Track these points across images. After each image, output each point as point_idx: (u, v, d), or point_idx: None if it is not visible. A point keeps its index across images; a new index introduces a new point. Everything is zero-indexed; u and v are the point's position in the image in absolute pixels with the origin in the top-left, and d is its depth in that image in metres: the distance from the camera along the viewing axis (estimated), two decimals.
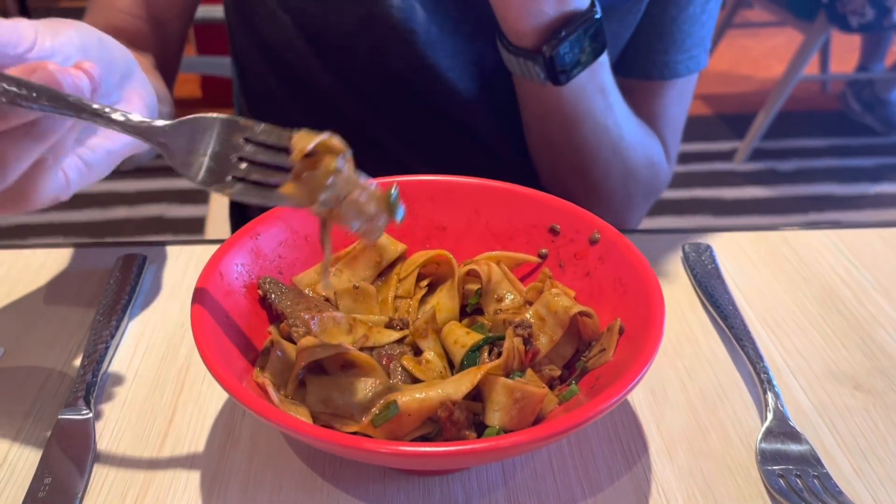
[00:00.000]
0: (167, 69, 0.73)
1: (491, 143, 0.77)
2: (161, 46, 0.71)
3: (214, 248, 0.64)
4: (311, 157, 0.38)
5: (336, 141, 0.39)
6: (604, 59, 0.63)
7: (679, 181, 2.60)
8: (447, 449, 0.35)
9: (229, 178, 0.39)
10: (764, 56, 3.46)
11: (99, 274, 0.61)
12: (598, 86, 0.64)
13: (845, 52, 3.20)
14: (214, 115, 0.40)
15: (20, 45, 0.37)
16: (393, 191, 0.40)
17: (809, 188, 2.57)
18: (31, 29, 0.38)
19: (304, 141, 0.38)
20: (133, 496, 0.44)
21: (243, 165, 0.39)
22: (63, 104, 0.36)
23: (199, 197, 2.38)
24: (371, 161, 0.45)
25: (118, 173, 0.48)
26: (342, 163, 0.38)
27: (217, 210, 1.25)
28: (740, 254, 0.65)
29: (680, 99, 0.78)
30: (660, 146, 0.76)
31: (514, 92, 0.70)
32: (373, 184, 0.40)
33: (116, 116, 0.38)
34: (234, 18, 0.79)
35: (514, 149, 0.78)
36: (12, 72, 0.35)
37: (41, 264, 0.63)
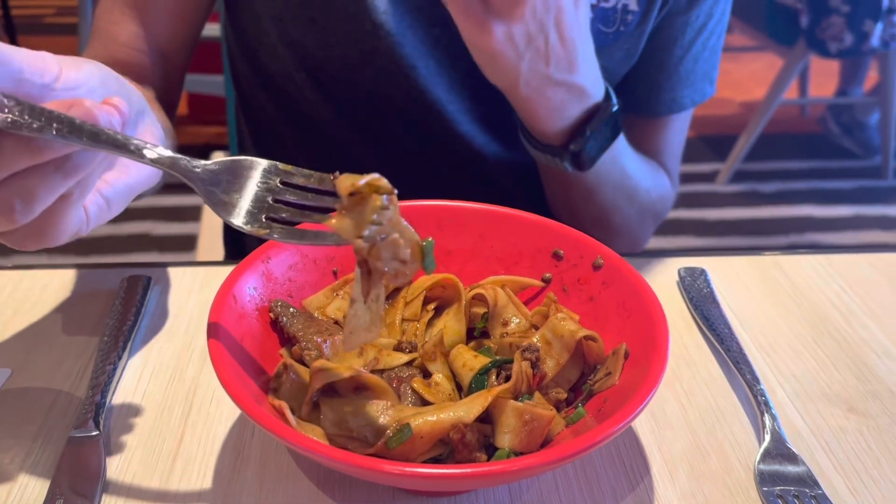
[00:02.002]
0: (169, 101, 0.73)
1: (491, 174, 0.78)
2: (164, 79, 0.72)
3: (217, 269, 0.65)
4: (356, 195, 0.39)
5: (384, 182, 0.40)
6: (621, 135, 0.66)
7: None
8: (462, 471, 0.36)
9: (265, 218, 0.40)
10: (745, 80, 3.52)
11: (103, 295, 0.62)
12: (615, 157, 0.67)
13: (824, 76, 3.26)
14: (256, 159, 0.41)
15: (46, 76, 0.37)
16: (428, 242, 0.41)
17: (790, 209, 2.61)
18: (55, 60, 0.39)
19: (350, 180, 0.39)
20: None
21: (281, 207, 0.40)
22: (104, 140, 0.36)
23: (187, 215, 2.38)
24: None
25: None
26: (388, 201, 0.39)
27: (209, 229, 1.25)
28: (734, 277, 0.66)
29: (683, 127, 0.81)
30: (666, 177, 0.79)
31: (511, 125, 0.72)
32: (413, 230, 0.41)
33: (157, 154, 0.38)
34: (234, 47, 0.80)
35: (515, 180, 0.80)
36: (50, 107, 0.36)
37: (45, 285, 0.63)
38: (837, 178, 2.82)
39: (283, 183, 0.41)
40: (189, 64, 0.77)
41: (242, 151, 0.90)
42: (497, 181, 0.79)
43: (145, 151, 0.38)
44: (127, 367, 0.55)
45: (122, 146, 0.37)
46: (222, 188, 0.40)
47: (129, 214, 2.55)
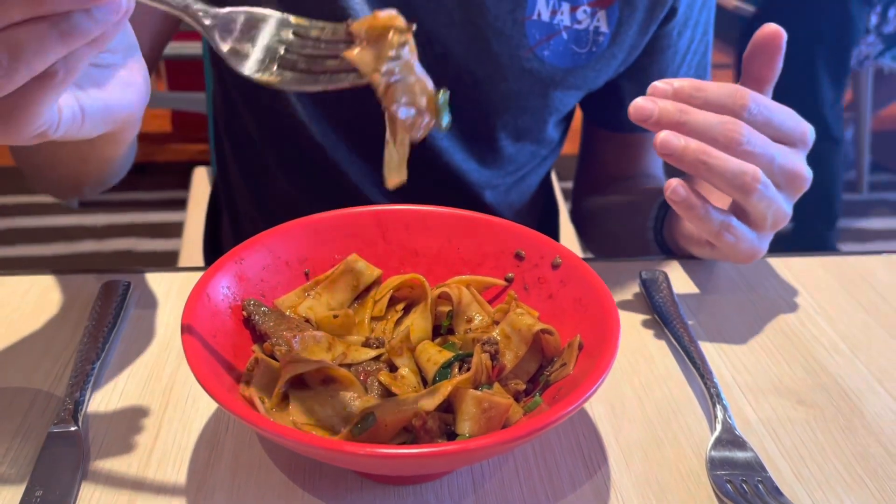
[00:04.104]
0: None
1: (467, 186, 0.81)
2: None
3: (195, 276, 0.67)
4: (373, 35, 0.39)
5: (401, 19, 0.40)
6: None
7: None
8: (421, 451, 0.38)
9: (276, 66, 0.39)
10: None
11: (83, 299, 0.64)
12: None
13: None
14: (270, 11, 0.40)
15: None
16: (442, 94, 0.41)
17: None
18: None
19: (368, 20, 0.39)
20: None
21: (290, 56, 0.39)
22: None
23: (170, 231, 2.39)
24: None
25: (85, 206, 0.46)
26: (408, 39, 0.39)
27: (190, 244, 1.26)
28: (694, 280, 0.69)
29: None
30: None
31: (491, 142, 0.77)
32: (429, 80, 0.41)
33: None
34: (220, 63, 0.82)
35: (490, 192, 0.83)
36: None
37: (26, 290, 0.65)
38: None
39: (296, 34, 0.40)
40: (154, 66, 0.78)
41: (223, 167, 0.92)
42: (470, 192, 0.82)
43: None
44: (105, 366, 0.57)
45: None
46: (234, 37, 0.39)
47: (110, 231, 2.53)
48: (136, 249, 2.34)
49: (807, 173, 0.59)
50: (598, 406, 0.55)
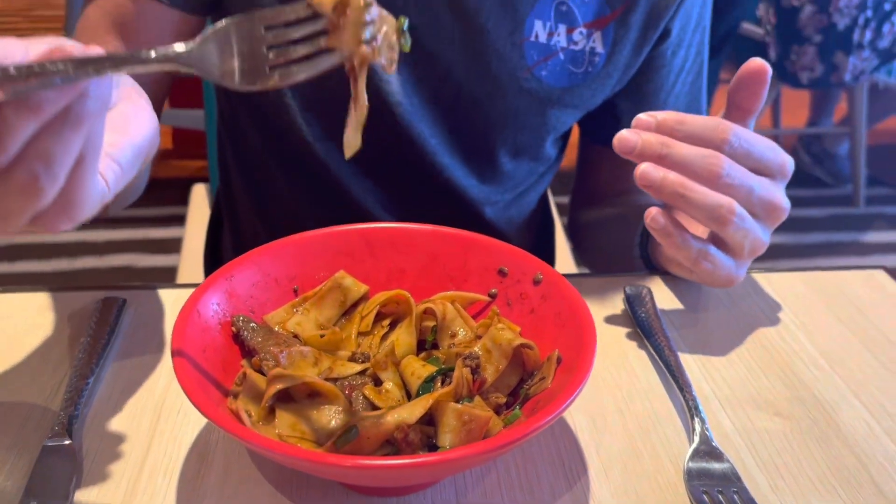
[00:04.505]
0: None
1: (465, 202, 0.83)
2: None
3: (189, 292, 0.69)
4: (338, 7, 0.40)
5: None
6: None
7: None
8: (401, 462, 0.39)
9: (267, 67, 0.40)
10: (718, 111, 3.61)
11: (79, 316, 0.65)
12: None
13: (796, 108, 3.35)
14: (230, 20, 0.40)
15: (14, 55, 0.37)
16: (403, 21, 0.43)
17: None
18: (18, 41, 0.39)
19: None
20: None
21: (272, 55, 0.40)
22: (95, 64, 0.36)
23: (169, 246, 2.41)
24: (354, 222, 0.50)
25: (85, 223, 0.48)
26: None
27: (189, 259, 1.28)
28: (677, 296, 0.70)
29: None
30: None
31: (490, 159, 0.79)
32: (388, 13, 0.42)
33: (148, 54, 0.38)
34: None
35: (488, 207, 0.85)
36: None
37: (23, 307, 0.66)
38: (811, 207, 2.89)
39: (267, 28, 0.41)
40: (167, 95, 0.81)
41: (227, 182, 0.94)
42: (470, 208, 0.84)
43: (142, 54, 0.38)
44: (100, 381, 0.58)
45: (116, 61, 0.37)
46: (215, 62, 0.40)
47: (110, 247, 2.55)
48: (135, 265, 2.36)
49: (785, 204, 0.61)
50: (580, 418, 0.56)
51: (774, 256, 2.51)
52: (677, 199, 0.57)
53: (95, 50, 0.37)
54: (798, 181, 3.00)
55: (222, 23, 0.40)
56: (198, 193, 1.46)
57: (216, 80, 0.40)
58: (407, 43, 0.44)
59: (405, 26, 0.43)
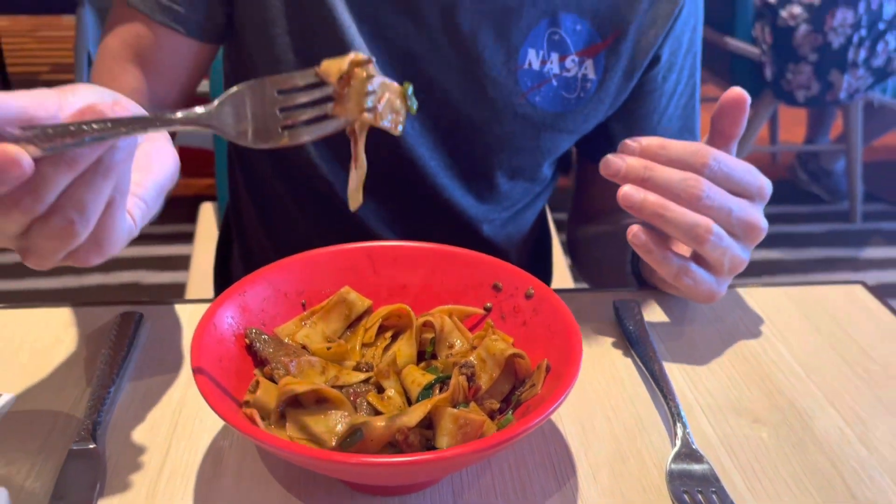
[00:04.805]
0: None
1: (465, 221, 0.87)
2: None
3: (202, 307, 0.73)
4: (343, 79, 0.45)
5: (361, 55, 0.45)
6: None
7: None
8: (404, 459, 0.43)
9: (278, 128, 0.45)
10: (704, 133, 3.66)
11: (99, 330, 0.69)
12: None
13: (793, 125, 3.40)
14: (245, 85, 0.45)
15: (50, 107, 0.42)
16: (408, 87, 0.47)
17: (763, 253, 2.71)
18: (51, 92, 0.43)
19: (334, 66, 0.45)
20: None
21: (284, 115, 0.45)
22: (126, 125, 0.40)
23: (176, 263, 2.46)
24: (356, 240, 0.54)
25: None
26: (373, 70, 0.45)
27: (198, 275, 1.32)
28: (664, 310, 0.74)
29: None
30: None
31: (488, 180, 0.83)
32: (393, 82, 0.47)
33: (174, 117, 0.43)
34: None
35: (486, 225, 0.89)
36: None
37: (46, 322, 0.70)
38: (808, 223, 2.93)
39: (279, 92, 0.45)
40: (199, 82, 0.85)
41: (236, 200, 0.99)
42: (469, 225, 0.88)
43: (167, 116, 0.42)
44: (121, 391, 0.62)
45: (144, 122, 0.41)
46: (230, 123, 0.44)
47: (117, 264, 2.58)
48: (143, 282, 2.40)
49: (763, 224, 0.65)
50: (570, 425, 0.60)
51: (771, 272, 2.55)
52: (657, 218, 0.61)
53: (124, 110, 0.42)
54: (795, 198, 3.06)
55: (237, 87, 0.45)
56: (206, 211, 1.51)
57: (232, 139, 0.45)
58: (413, 105, 0.48)
59: (410, 90, 0.48)
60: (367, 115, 0.46)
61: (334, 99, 0.46)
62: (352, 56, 0.46)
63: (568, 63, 0.79)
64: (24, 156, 0.38)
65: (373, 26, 0.76)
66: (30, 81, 4.20)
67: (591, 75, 0.81)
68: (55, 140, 0.39)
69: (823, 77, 2.58)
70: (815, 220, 2.94)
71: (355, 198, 0.50)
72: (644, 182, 0.61)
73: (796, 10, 2.52)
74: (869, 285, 0.79)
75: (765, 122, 2.82)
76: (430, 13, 0.75)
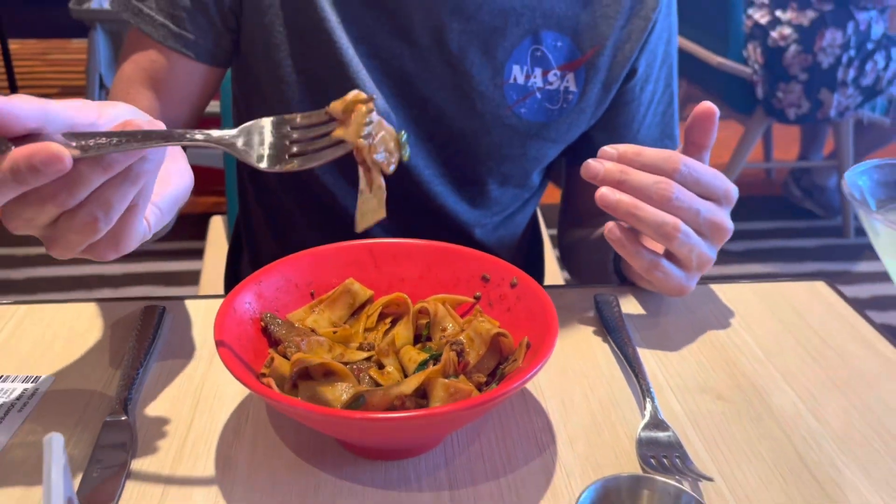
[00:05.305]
0: None
1: (458, 226, 0.94)
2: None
3: (218, 301, 0.80)
4: (347, 112, 0.53)
5: (363, 94, 0.53)
6: None
7: None
8: (401, 415, 0.50)
9: (287, 155, 0.52)
10: (715, 146, 3.73)
11: (126, 321, 0.76)
12: None
13: (787, 143, 3.47)
14: (265, 119, 0.53)
15: (90, 116, 0.49)
16: (403, 135, 0.55)
17: (758, 267, 2.78)
18: (92, 104, 0.51)
19: (340, 103, 0.53)
20: (164, 477, 0.58)
21: (295, 147, 0.52)
22: (157, 138, 0.47)
23: (184, 279, 2.53)
24: None
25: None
26: (373, 106, 0.54)
27: (208, 288, 1.39)
28: (641, 304, 0.81)
29: None
30: None
31: (479, 187, 0.90)
32: (392, 128, 0.55)
33: (199, 137, 0.50)
34: (241, 120, 0.96)
35: (478, 230, 0.96)
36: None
37: (78, 314, 0.77)
38: (802, 238, 2.99)
39: (291, 127, 0.53)
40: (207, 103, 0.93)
41: (246, 211, 1.06)
42: (466, 235, 0.96)
43: (190, 136, 0.49)
44: (147, 372, 0.69)
45: (174, 137, 0.48)
46: (251, 146, 0.52)
47: (127, 279, 2.64)
48: (151, 296, 2.47)
49: (728, 225, 0.72)
50: (551, 401, 0.66)
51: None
52: (630, 217, 0.68)
53: (158, 125, 0.49)
54: (790, 213, 3.13)
55: (259, 120, 0.53)
56: (215, 225, 1.58)
57: (247, 161, 0.52)
58: (406, 154, 0.56)
59: (405, 138, 0.56)
60: (362, 142, 0.54)
61: (338, 124, 0.54)
62: (356, 93, 0.54)
63: (550, 77, 0.87)
64: (66, 154, 0.44)
65: (369, 47, 0.83)
66: None
67: (573, 88, 0.88)
68: (96, 145, 0.46)
69: (813, 96, 2.65)
70: (809, 235, 3.01)
71: (365, 219, 0.57)
72: (620, 184, 0.68)
73: (786, 31, 2.60)
74: (830, 282, 0.86)
75: (758, 139, 2.90)
76: (422, 35, 0.83)
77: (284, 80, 0.85)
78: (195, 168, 0.93)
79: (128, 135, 0.46)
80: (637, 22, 0.87)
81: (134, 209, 0.50)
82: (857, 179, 0.53)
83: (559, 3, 0.85)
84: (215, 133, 0.51)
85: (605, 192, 0.68)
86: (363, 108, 0.53)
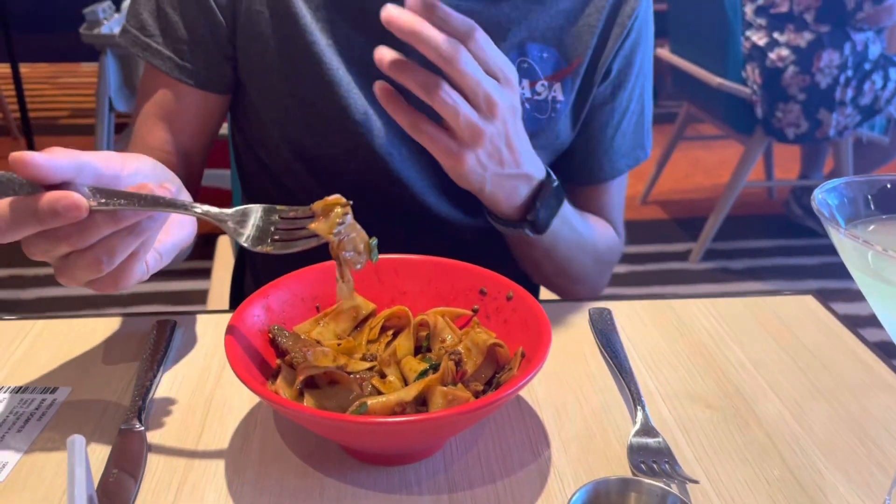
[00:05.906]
0: (190, 188, 0.93)
1: (454, 236, 0.98)
2: (187, 173, 0.91)
3: (227, 316, 0.83)
4: (326, 210, 0.60)
5: (342, 199, 0.61)
6: (564, 202, 0.86)
7: (639, 279, 2.83)
8: (401, 419, 0.53)
9: (269, 239, 0.60)
10: (715, 166, 3.78)
11: (139, 335, 0.80)
12: (564, 220, 0.86)
13: (788, 162, 3.51)
14: (258, 205, 0.61)
15: (115, 169, 0.57)
16: (373, 241, 0.62)
17: (758, 285, 2.80)
18: (118, 157, 0.59)
19: (321, 203, 0.60)
20: (176, 481, 0.61)
21: (277, 235, 0.60)
22: (163, 204, 0.55)
23: (192, 298, 2.56)
24: None
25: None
26: (348, 210, 0.61)
27: (216, 297, 1.42)
28: (634, 316, 0.84)
29: (622, 187, 1.02)
30: (612, 230, 1.00)
31: (469, 197, 0.93)
32: (364, 232, 0.62)
33: (198, 210, 0.58)
34: (241, 145, 1.00)
35: (475, 240, 0.99)
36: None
37: (94, 329, 0.81)
38: (802, 255, 3.02)
39: (281, 217, 0.61)
40: (206, 160, 0.97)
41: None
42: (460, 241, 0.98)
43: (192, 208, 0.57)
44: (160, 383, 0.72)
45: (177, 206, 0.56)
46: (241, 225, 0.60)
47: (135, 299, 2.67)
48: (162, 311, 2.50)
49: (502, 102, 0.71)
50: (546, 409, 0.69)
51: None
52: (412, 36, 0.65)
53: (167, 192, 0.56)
54: (790, 231, 3.16)
55: (254, 206, 0.61)
56: (223, 245, 1.62)
57: (234, 238, 0.60)
58: (375, 257, 0.63)
59: (374, 243, 0.63)
60: (333, 238, 0.60)
61: (316, 219, 0.61)
62: (336, 196, 0.61)
63: (538, 87, 0.90)
64: (84, 203, 0.52)
65: (359, 67, 0.87)
66: (50, 126, 4.37)
67: (560, 97, 0.91)
68: (112, 201, 0.54)
69: (812, 115, 2.69)
70: (810, 252, 3.03)
71: (342, 298, 0.66)
72: (414, 34, 0.65)
73: (784, 52, 2.65)
74: (818, 297, 0.89)
75: (758, 158, 2.93)
76: (413, 53, 0.87)
77: (277, 105, 0.88)
78: (205, 190, 0.97)
79: (140, 197, 0.54)
80: (615, 30, 0.91)
81: (135, 256, 0.57)
82: (827, 197, 0.56)
83: (543, 17, 0.88)
84: (213, 210, 0.59)
85: (393, 13, 0.65)
86: (339, 209, 0.60)
